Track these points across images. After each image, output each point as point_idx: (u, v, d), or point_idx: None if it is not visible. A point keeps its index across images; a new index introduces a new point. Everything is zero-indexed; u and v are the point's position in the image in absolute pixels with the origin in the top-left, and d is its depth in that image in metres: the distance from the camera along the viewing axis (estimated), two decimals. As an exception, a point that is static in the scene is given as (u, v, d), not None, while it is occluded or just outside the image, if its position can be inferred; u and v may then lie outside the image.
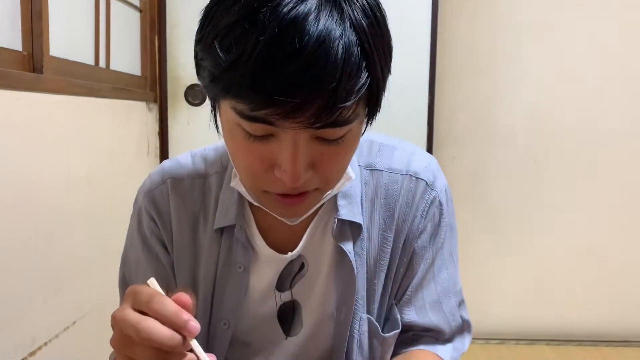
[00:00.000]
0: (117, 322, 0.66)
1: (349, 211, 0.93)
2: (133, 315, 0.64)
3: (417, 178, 0.96)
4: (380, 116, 0.81)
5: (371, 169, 0.96)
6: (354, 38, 0.66)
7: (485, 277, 3.08)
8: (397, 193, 0.96)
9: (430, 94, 2.81)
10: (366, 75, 0.68)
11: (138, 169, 2.49)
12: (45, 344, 1.73)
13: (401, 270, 0.98)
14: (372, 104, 0.74)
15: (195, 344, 0.66)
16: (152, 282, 0.68)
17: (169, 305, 0.64)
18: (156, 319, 0.64)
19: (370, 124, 0.79)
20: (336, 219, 0.92)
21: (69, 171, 1.92)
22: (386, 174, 0.96)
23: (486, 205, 3.06)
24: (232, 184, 0.90)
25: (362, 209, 0.95)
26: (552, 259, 3.09)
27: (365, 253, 0.95)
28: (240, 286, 0.94)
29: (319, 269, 0.96)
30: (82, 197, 2.00)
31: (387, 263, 0.97)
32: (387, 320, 1.00)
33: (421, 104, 2.82)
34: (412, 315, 0.99)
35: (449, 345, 1.02)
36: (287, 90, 0.64)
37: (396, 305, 1.00)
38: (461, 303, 1.04)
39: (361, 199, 0.95)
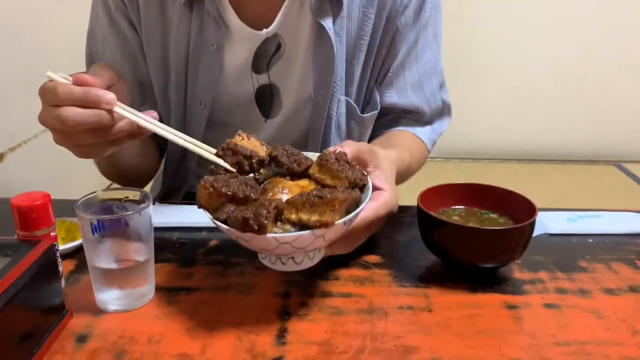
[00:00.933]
0: (45, 125, 0.66)
1: None
2: (52, 112, 0.64)
3: None
4: None
5: None
6: None
7: (462, 99, 3.10)
8: None
9: None
10: None
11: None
12: (25, 142, 1.74)
13: (383, 51, 0.95)
14: None
15: (124, 111, 0.65)
16: (50, 75, 0.66)
17: (74, 90, 0.64)
18: (73, 105, 0.64)
19: None
20: None
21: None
22: None
23: (469, 23, 2.98)
24: None
25: None
26: (528, 80, 3.09)
27: (344, 32, 0.91)
28: (214, 64, 0.91)
29: (296, 49, 0.92)
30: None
31: (367, 43, 0.93)
32: (367, 104, 1.00)
33: None
34: (392, 96, 0.98)
35: (428, 127, 1.03)
36: None
37: (377, 87, 0.99)
38: (442, 85, 1.03)
39: None
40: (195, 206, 0.88)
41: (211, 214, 0.62)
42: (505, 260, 0.71)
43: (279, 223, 0.60)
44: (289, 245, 0.59)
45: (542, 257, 0.77)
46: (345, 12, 0.90)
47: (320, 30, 0.89)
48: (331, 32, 0.88)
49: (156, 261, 0.68)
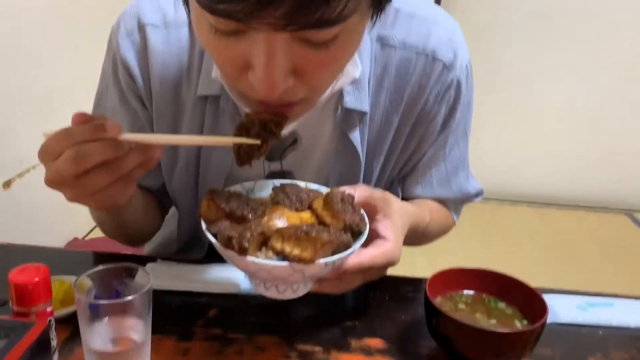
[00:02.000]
0: (54, 180, 0.62)
1: (356, 99, 0.81)
2: (59, 161, 0.60)
3: (434, 58, 0.82)
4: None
5: (382, 42, 0.82)
6: None
7: (474, 139, 3.07)
8: (409, 74, 0.83)
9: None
10: None
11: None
12: (33, 167, 1.73)
13: (406, 152, 0.90)
14: None
15: (129, 135, 0.63)
16: (47, 133, 0.63)
17: (76, 128, 0.61)
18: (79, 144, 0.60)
19: (378, 17, 0.59)
20: (341, 106, 0.81)
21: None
22: (399, 50, 0.82)
23: (486, 62, 2.96)
24: (213, 75, 0.76)
25: (369, 92, 0.83)
26: (542, 124, 3.07)
27: (366, 136, 0.85)
28: (228, 156, 0.85)
29: (314, 145, 0.86)
30: (66, 18, 1.90)
31: (389, 146, 0.88)
32: None
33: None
34: (417, 190, 0.95)
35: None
36: None
37: (398, 180, 0.95)
38: (469, 176, 0.99)
39: (369, 79, 0.82)
40: (197, 267, 0.89)
41: (207, 224, 0.64)
42: (512, 359, 0.69)
43: (264, 248, 0.61)
44: (266, 272, 0.59)
45: (550, 351, 0.74)
46: (369, 116, 0.84)
47: (345, 138, 0.84)
48: (357, 143, 0.83)
49: (153, 331, 0.66)
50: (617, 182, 3.11)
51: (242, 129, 0.66)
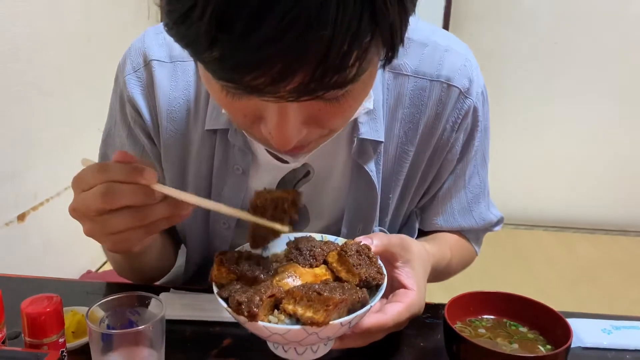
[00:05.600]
0: (79, 210, 0.61)
1: (371, 129, 0.79)
2: (90, 192, 0.59)
3: (449, 85, 0.80)
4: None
5: (394, 71, 0.80)
6: None
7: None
8: (424, 102, 0.81)
9: (451, -33, 2.63)
10: (372, 29, 0.47)
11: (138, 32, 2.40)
12: (47, 200, 1.75)
13: (424, 183, 0.88)
14: (387, 48, 0.52)
15: (163, 187, 0.61)
16: (85, 161, 0.63)
17: (115, 166, 0.60)
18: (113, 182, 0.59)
19: (388, 64, 0.56)
20: (356, 138, 0.79)
21: (67, 27, 1.85)
22: (412, 79, 0.80)
23: (497, 88, 2.96)
24: (224, 110, 0.72)
25: (384, 122, 0.81)
26: (557, 147, 3.05)
27: (380, 167, 0.83)
28: (240, 188, 0.84)
29: (327, 177, 0.85)
30: (80, 56, 1.94)
31: (404, 177, 0.86)
32: (403, 225, 0.94)
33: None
34: (439, 221, 0.93)
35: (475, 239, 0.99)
36: (251, 63, 0.46)
37: (416, 212, 0.93)
38: (489, 204, 0.97)
39: (382, 107, 0.81)
40: (210, 296, 0.87)
41: (218, 288, 0.62)
42: (537, 385, 0.67)
43: (276, 311, 0.59)
44: (280, 336, 0.57)
45: (575, 377, 0.72)
46: (383, 147, 0.83)
47: (359, 170, 0.82)
48: (373, 175, 0.82)
49: (166, 362, 0.65)
50: (634, 206, 3.07)
51: (257, 211, 0.64)
